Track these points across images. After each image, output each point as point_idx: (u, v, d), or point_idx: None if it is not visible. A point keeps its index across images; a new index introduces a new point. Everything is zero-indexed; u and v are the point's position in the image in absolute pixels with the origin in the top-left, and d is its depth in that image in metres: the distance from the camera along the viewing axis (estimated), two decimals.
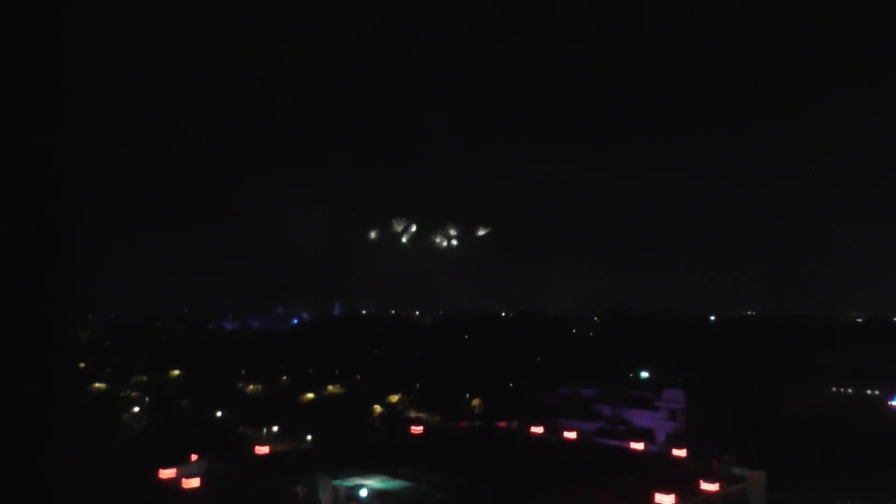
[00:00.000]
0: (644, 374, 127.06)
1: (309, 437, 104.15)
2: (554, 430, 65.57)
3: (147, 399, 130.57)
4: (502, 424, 69.27)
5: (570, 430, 64.70)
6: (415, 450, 57.05)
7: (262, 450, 55.40)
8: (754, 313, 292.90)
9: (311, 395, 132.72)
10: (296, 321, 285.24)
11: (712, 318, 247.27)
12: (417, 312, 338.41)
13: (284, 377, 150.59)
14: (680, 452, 54.48)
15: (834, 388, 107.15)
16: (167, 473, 44.93)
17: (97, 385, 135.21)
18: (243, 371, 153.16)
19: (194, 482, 43.15)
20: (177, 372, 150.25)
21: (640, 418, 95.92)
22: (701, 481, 46.12)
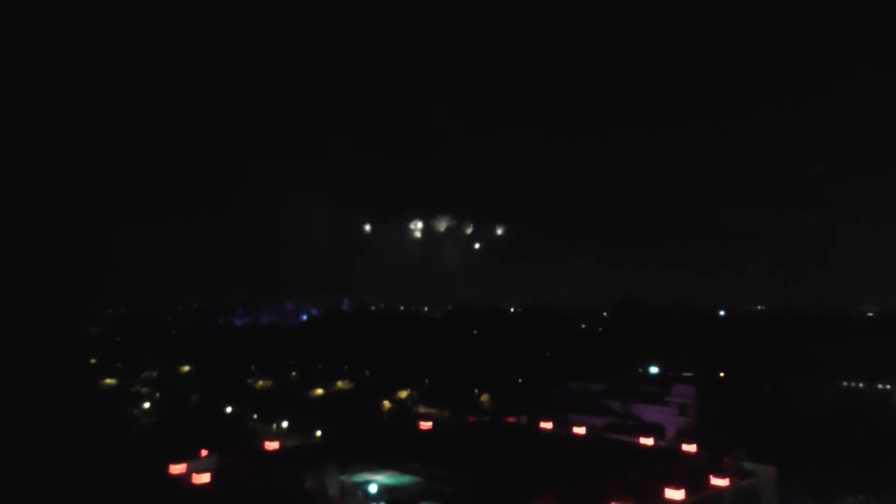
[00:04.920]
0: (653, 369, 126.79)
1: (318, 433, 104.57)
2: (563, 425, 65.56)
3: (157, 394, 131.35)
4: (511, 419, 69.30)
5: (579, 424, 64.69)
6: (424, 445, 57.16)
7: (272, 445, 55.62)
8: (764, 307, 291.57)
9: (320, 391, 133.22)
10: (305, 316, 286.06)
11: (722, 312, 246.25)
12: (426, 308, 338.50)
13: (294, 372, 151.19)
14: (690, 447, 54.35)
15: (845, 383, 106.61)
16: (178, 469, 45.19)
17: (108, 380, 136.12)
18: (253, 366, 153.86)
19: (205, 477, 43.39)
20: (187, 367, 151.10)
21: (650, 413, 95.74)
22: (711, 476, 46.03)
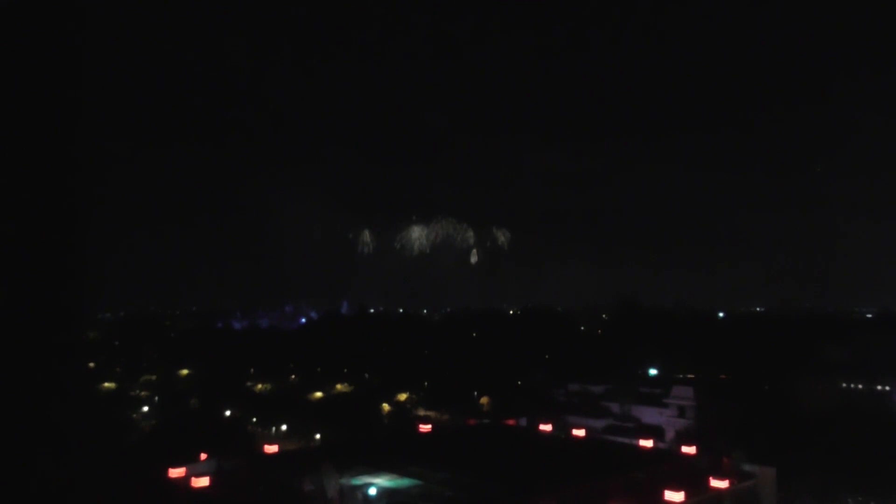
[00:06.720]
0: (653, 371, 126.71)
1: (318, 436, 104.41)
2: (563, 428, 65.56)
3: (156, 398, 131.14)
4: (511, 422, 69.29)
5: (578, 427, 64.68)
6: (423, 448, 57.15)
7: (271, 448, 55.62)
8: (763, 309, 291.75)
9: (319, 394, 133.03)
10: (304, 319, 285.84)
11: (721, 313, 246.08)
12: (425, 310, 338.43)
13: (293, 375, 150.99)
14: (689, 449, 54.39)
15: (844, 384, 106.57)
16: (177, 472, 45.15)
17: (107, 384, 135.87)
18: (252, 369, 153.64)
19: (204, 481, 43.36)
20: (186, 371, 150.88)
21: (650, 415, 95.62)
22: (710, 478, 46.04)
